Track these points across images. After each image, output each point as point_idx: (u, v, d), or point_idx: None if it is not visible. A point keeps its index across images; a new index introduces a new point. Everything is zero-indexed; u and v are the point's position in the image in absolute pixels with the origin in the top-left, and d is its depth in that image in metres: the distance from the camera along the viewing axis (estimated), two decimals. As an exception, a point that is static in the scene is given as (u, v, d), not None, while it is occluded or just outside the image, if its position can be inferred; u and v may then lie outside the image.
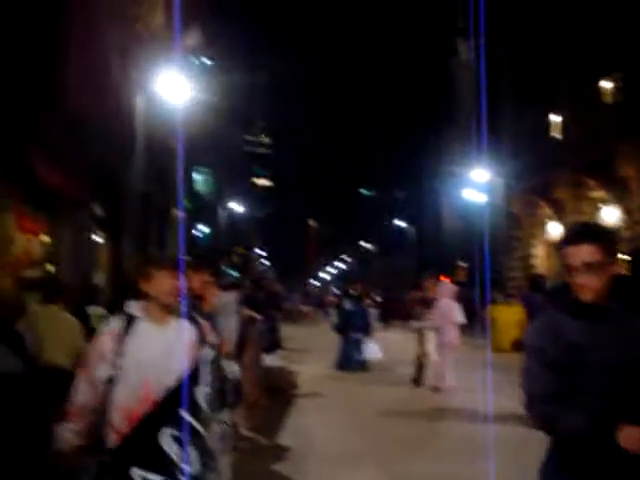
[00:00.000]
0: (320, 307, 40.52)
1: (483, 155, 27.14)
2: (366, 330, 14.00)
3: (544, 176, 24.41)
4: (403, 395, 10.90)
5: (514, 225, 28.08)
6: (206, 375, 3.07)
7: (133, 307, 3.28)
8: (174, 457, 2.72)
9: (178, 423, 2.80)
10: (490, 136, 29.95)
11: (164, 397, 2.91)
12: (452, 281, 20.20)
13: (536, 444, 5.04)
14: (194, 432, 2.85)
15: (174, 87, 13.52)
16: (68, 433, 3.07)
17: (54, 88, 13.31)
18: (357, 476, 6.30)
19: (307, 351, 17.41)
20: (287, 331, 24.21)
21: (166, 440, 2.75)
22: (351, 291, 15.60)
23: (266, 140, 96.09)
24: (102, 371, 3.11)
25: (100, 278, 18.47)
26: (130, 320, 3.22)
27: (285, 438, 7.91)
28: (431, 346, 11.64)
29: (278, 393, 10.82)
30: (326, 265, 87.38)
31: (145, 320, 3.24)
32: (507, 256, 27.35)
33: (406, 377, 11.92)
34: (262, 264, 79.21)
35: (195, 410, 2.91)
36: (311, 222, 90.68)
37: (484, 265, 14.89)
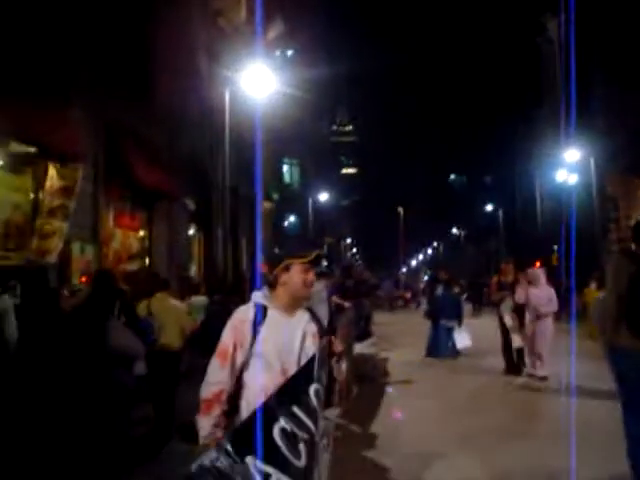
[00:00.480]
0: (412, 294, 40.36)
1: (574, 135, 26.27)
2: (457, 317, 13.76)
3: (640, 154, 23.39)
4: (492, 382, 10.73)
5: (610, 207, 27.02)
6: (319, 371, 3.10)
7: (261, 297, 3.40)
8: (285, 451, 2.72)
9: (291, 417, 2.84)
10: (582, 115, 28.94)
11: (280, 389, 2.95)
12: (544, 265, 19.76)
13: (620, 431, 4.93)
14: (305, 428, 2.88)
15: (258, 80, 13.72)
16: (209, 424, 3.13)
17: (146, 86, 13.85)
18: (446, 463, 6.29)
19: (398, 338, 17.37)
20: (379, 318, 24.28)
21: (278, 433, 2.76)
22: (441, 277, 15.41)
23: (351, 128, 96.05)
24: (239, 358, 3.24)
25: (194, 270, 19.11)
26: (260, 309, 3.33)
27: (375, 425, 7.98)
28: (514, 332, 11.26)
29: (368, 380, 10.91)
30: (416, 252, 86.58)
31: (274, 309, 3.36)
32: (603, 239, 26.38)
33: (496, 364, 11.71)
34: (351, 252, 79.41)
35: (308, 406, 2.94)
36: (400, 209, 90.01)
37: (572, 249, 14.55)
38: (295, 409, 2.81)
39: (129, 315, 6.40)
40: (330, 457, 3.34)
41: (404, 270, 73.73)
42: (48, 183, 10.09)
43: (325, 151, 59.02)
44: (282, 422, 2.69)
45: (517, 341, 11.11)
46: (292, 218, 40.49)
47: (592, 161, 24.64)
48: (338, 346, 3.51)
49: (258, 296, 3.41)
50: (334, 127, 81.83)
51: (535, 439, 7.12)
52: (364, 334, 12.20)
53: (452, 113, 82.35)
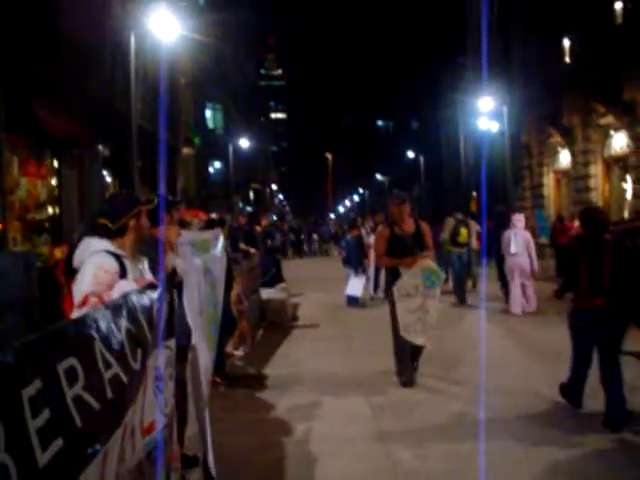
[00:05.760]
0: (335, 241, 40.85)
1: (491, 83, 26.71)
2: (353, 264, 13.74)
3: (554, 103, 24.04)
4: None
5: (525, 154, 27.79)
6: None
7: (109, 245, 3.43)
8: (127, 350, 2.66)
9: (135, 322, 2.73)
10: (501, 63, 29.42)
11: (128, 294, 2.89)
12: (465, 212, 20.25)
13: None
14: (144, 338, 2.85)
15: (163, 23, 13.41)
16: None
17: (51, 25, 13.35)
18: (335, 402, 6.61)
19: (313, 284, 17.72)
20: (298, 265, 24.59)
21: (125, 330, 2.62)
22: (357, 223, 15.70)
23: (280, 72, 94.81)
24: None
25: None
26: (117, 258, 3.39)
27: (273, 367, 8.24)
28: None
29: (276, 325, 11.20)
30: (343, 199, 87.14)
31: (125, 258, 3.45)
32: (516, 185, 27.22)
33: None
34: (279, 199, 79.41)
35: (150, 320, 2.95)
36: (328, 155, 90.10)
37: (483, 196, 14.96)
38: (140, 316, 2.87)
39: None
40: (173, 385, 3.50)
41: (332, 216, 74.34)
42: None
43: (252, 96, 58.23)
44: (127, 322, 2.72)
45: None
46: (217, 164, 40.13)
47: (505, 109, 25.16)
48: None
49: (105, 244, 3.44)
50: (262, 71, 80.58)
51: (421, 378, 7.50)
52: (274, 279, 12.41)
53: (380, 58, 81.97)
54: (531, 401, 6.40)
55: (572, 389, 6.08)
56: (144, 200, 3.82)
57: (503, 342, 9.32)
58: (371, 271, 14.28)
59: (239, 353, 8.65)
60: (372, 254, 14.24)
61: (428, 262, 7.24)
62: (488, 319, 10.84)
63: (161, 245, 3.76)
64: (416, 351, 7.32)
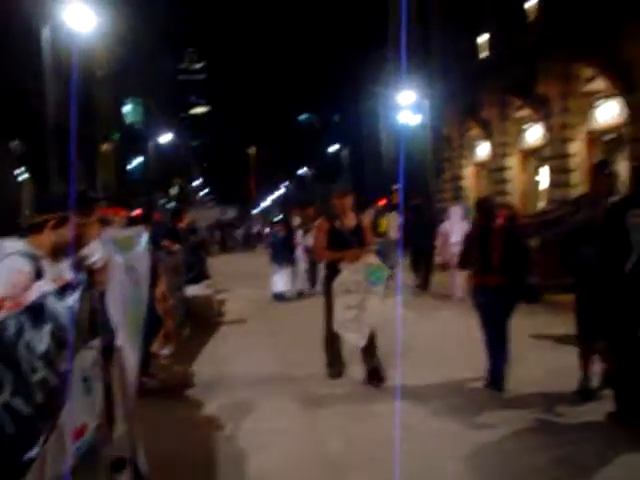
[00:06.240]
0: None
1: (412, 76, 27.11)
2: (279, 260, 13.95)
3: (473, 96, 24.64)
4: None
5: (446, 147, 28.37)
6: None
7: (23, 245, 3.34)
8: (24, 363, 2.55)
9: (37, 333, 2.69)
10: (421, 56, 29.89)
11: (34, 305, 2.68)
12: (388, 204, 20.66)
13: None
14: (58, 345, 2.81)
15: (81, 14, 13.05)
16: None
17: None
18: (264, 396, 6.59)
19: (239, 280, 17.60)
20: (223, 262, 24.42)
21: (24, 345, 2.54)
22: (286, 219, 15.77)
23: (200, 66, 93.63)
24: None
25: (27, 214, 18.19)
26: (32, 259, 3.26)
27: (202, 365, 8.17)
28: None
29: (203, 322, 11.08)
30: (267, 193, 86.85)
31: (42, 259, 3.33)
32: (437, 177, 27.80)
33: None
34: (203, 194, 78.45)
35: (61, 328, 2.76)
36: (250, 150, 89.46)
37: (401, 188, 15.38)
38: (61, 317, 2.76)
39: None
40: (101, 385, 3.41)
41: (256, 211, 73.94)
42: None
43: (172, 90, 57.33)
44: (49, 324, 2.62)
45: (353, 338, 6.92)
46: (137, 160, 39.27)
47: (427, 102, 25.64)
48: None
49: (19, 245, 3.33)
50: (182, 65, 79.38)
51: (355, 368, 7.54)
52: (199, 276, 12.24)
53: (302, 50, 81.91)
54: (454, 385, 6.57)
55: (491, 374, 6.36)
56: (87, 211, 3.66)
57: (424, 328, 9.50)
58: (301, 266, 14.50)
59: (165, 352, 8.49)
60: (300, 250, 14.48)
61: (372, 258, 6.93)
62: (409, 306, 11.06)
63: (72, 244, 3.62)
64: (368, 351, 6.89)
